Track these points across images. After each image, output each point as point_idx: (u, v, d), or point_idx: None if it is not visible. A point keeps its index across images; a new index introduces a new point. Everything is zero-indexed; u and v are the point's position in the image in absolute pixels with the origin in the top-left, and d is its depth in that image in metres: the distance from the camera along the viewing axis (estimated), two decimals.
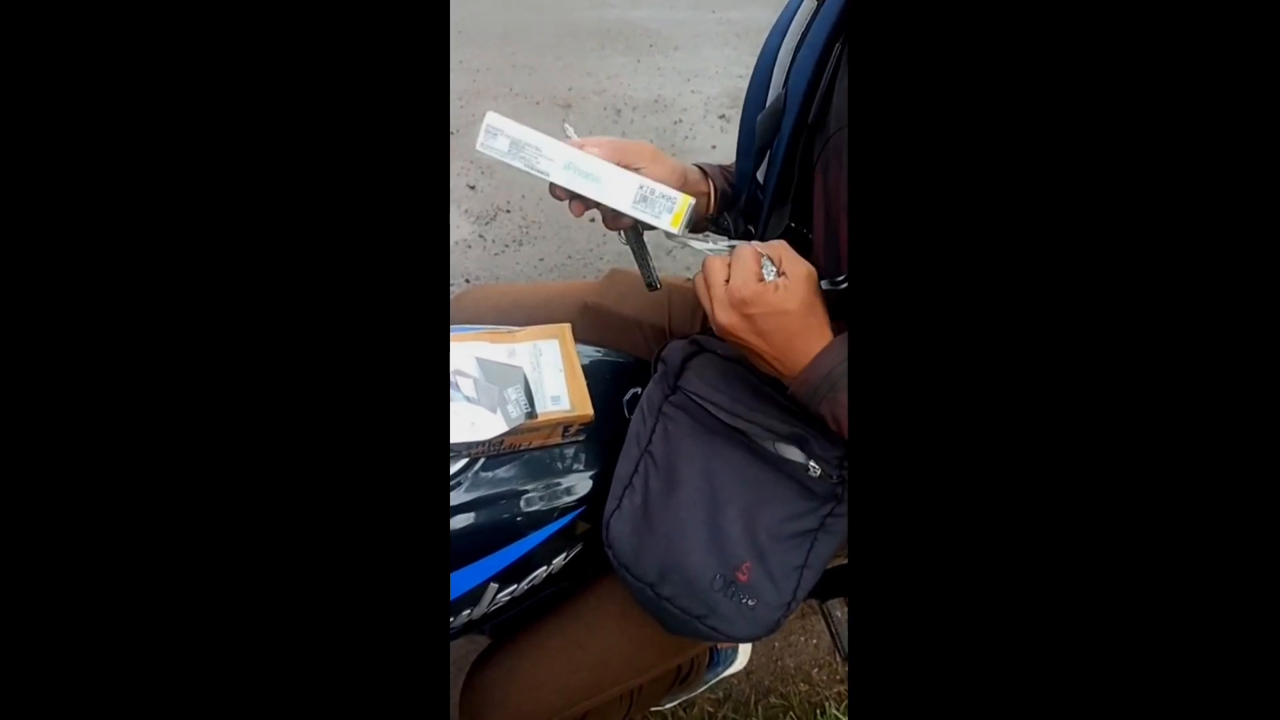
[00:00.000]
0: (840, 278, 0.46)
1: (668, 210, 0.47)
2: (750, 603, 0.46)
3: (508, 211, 1.63)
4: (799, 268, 0.43)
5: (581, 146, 0.47)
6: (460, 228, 1.59)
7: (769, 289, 0.42)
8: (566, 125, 0.50)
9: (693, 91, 2.16)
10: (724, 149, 1.91)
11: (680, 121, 2.02)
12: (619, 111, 2.03)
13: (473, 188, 1.69)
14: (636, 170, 0.48)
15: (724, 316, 0.43)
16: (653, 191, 0.46)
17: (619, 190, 0.46)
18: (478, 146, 0.45)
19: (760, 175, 0.53)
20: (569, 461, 0.55)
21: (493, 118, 0.43)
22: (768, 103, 0.51)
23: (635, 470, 0.50)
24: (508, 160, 0.45)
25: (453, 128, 1.87)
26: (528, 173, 0.46)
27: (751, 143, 0.52)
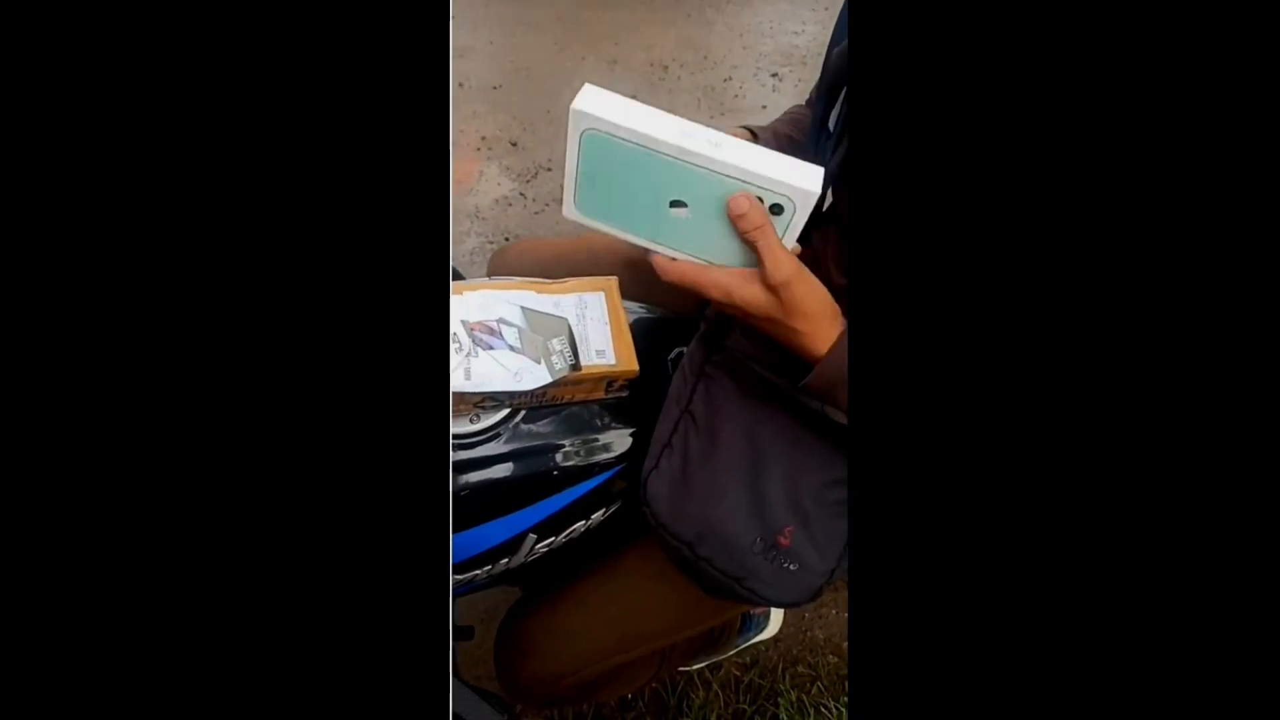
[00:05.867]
0: None
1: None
2: (792, 567, 0.45)
3: (549, 169, 1.61)
4: (780, 266, 0.38)
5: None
6: (501, 185, 1.57)
7: (750, 292, 0.39)
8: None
9: (744, 48, 2.07)
10: (774, 108, 1.83)
11: (730, 79, 1.94)
12: (666, 68, 1.96)
13: (515, 144, 1.67)
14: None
15: (755, 294, 0.39)
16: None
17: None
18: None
19: (832, 119, 0.49)
20: (607, 419, 0.54)
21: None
22: None
23: (674, 430, 0.48)
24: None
25: (498, 81, 1.84)
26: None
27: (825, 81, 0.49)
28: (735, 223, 0.37)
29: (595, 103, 0.37)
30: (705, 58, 2.01)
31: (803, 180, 0.37)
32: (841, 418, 0.45)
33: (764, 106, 1.84)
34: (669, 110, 0.40)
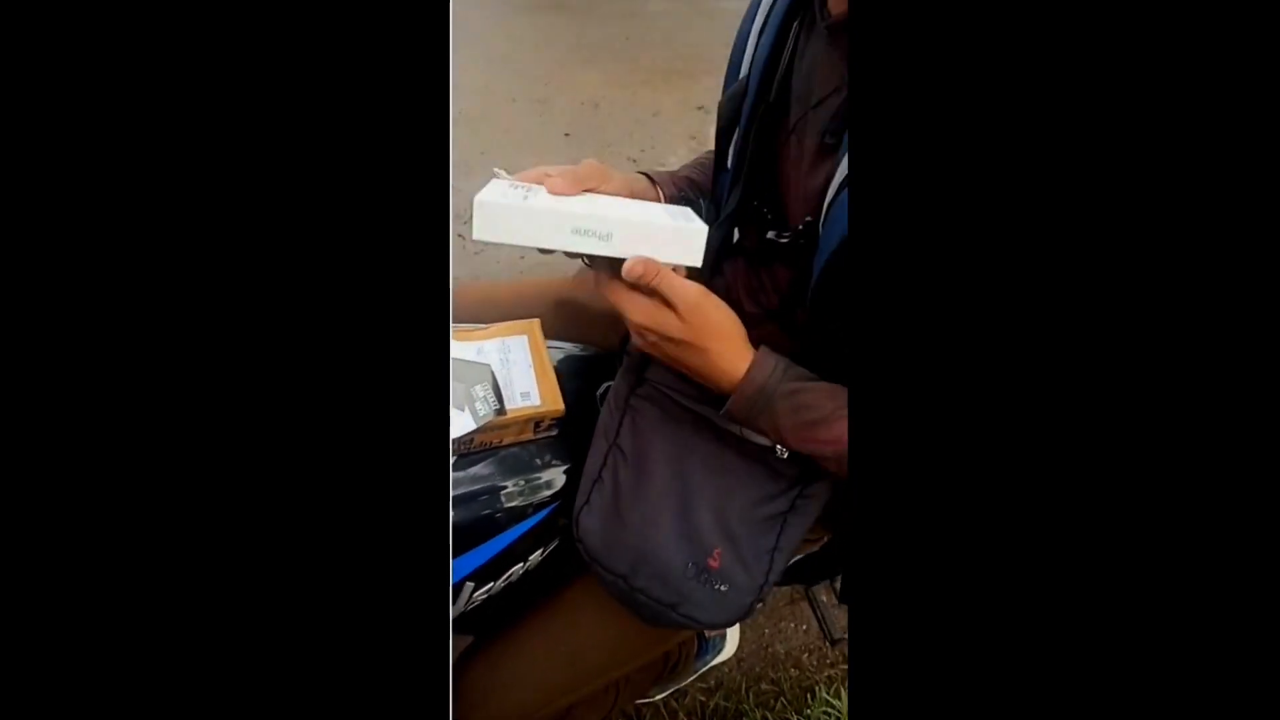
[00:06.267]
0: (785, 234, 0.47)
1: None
2: (723, 588, 0.46)
3: None
4: (686, 294, 0.41)
5: (540, 180, 0.44)
6: None
7: (666, 317, 0.41)
8: (496, 170, 0.46)
9: (670, 82, 2.15)
10: (703, 140, 1.90)
11: (658, 114, 2.01)
12: (597, 105, 2.02)
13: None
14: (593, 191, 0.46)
15: (669, 319, 0.42)
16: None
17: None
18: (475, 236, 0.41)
19: (729, 158, 0.53)
20: (548, 456, 0.55)
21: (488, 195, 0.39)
22: None
23: (604, 464, 0.50)
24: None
25: None
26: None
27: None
28: (636, 283, 0.41)
29: (488, 222, 0.39)
30: (633, 95, 2.08)
31: (685, 255, 0.41)
32: (759, 439, 0.47)
33: (692, 137, 1.91)
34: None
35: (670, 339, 0.42)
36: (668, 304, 0.41)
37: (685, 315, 0.41)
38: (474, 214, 0.39)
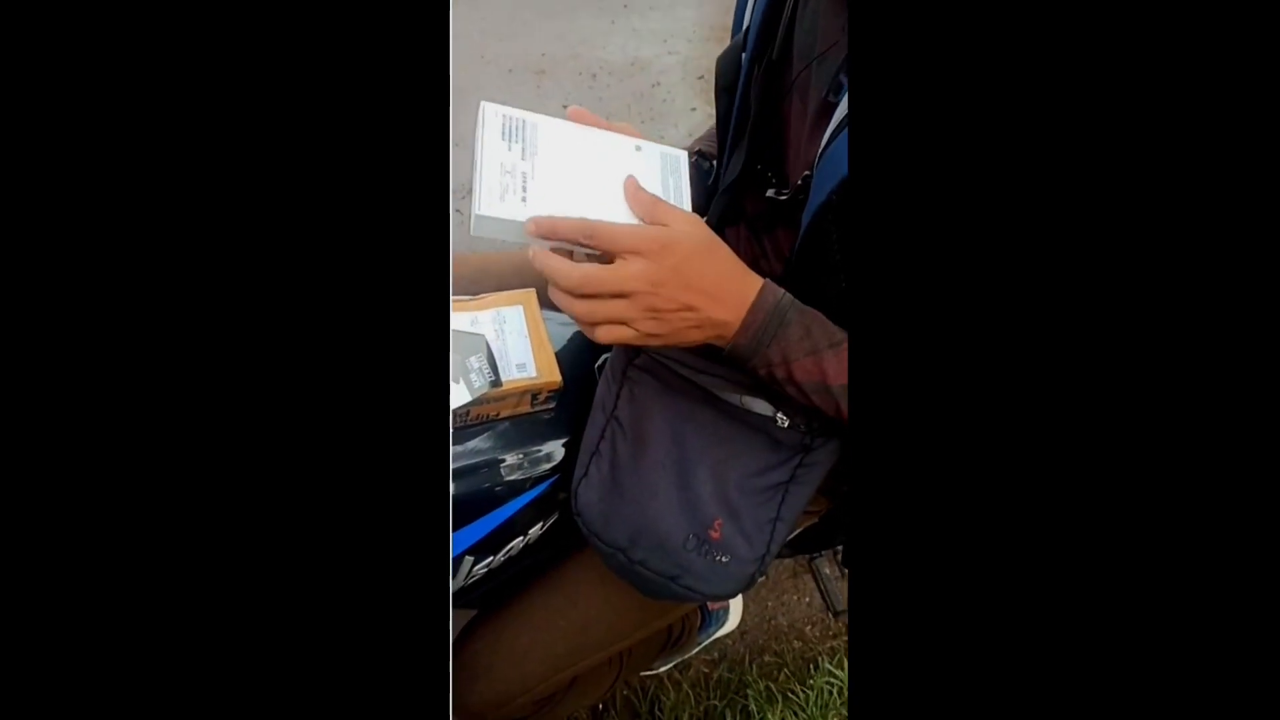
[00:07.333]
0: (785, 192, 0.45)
1: None
2: (724, 559, 0.46)
3: None
4: (684, 213, 0.40)
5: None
6: None
7: (668, 233, 0.38)
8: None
9: (670, 53, 2.10)
10: (704, 110, 1.86)
11: (658, 84, 1.97)
12: (594, 76, 1.98)
13: None
14: None
15: (680, 231, 0.39)
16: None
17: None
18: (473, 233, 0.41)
19: (732, 118, 0.51)
20: (547, 429, 0.54)
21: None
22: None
23: (602, 437, 0.49)
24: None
25: None
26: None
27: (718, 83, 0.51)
28: (635, 209, 0.40)
29: (489, 230, 0.40)
30: (633, 64, 2.03)
31: None
32: (760, 407, 0.46)
33: (693, 109, 1.87)
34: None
35: (680, 252, 0.38)
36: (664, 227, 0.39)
37: (690, 222, 0.40)
38: (474, 220, 0.39)
